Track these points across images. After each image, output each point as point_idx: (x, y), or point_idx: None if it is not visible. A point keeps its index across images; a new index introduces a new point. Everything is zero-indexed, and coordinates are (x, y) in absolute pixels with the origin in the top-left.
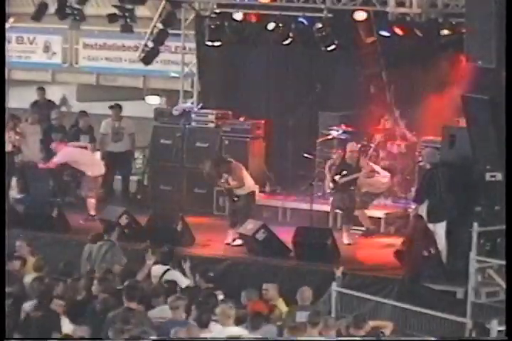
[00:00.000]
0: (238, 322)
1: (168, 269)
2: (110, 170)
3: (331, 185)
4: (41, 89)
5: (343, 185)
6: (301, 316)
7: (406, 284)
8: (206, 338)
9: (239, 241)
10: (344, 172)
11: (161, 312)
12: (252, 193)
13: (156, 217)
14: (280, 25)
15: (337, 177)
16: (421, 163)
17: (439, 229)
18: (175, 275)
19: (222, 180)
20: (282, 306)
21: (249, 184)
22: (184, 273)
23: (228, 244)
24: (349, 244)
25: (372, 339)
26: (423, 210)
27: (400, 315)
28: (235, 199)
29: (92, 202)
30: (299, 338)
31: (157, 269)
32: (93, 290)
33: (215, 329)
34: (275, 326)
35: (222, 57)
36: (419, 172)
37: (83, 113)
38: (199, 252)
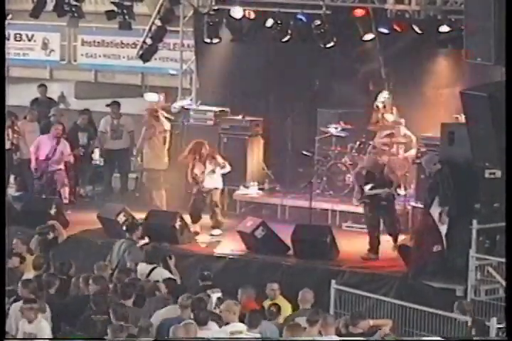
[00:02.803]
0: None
1: (154, 267)
2: (109, 168)
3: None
4: (42, 87)
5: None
6: (301, 321)
7: (405, 281)
8: (206, 338)
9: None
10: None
11: (169, 311)
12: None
13: (155, 215)
14: (279, 22)
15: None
16: (418, 161)
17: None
18: (162, 273)
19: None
20: (285, 304)
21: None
22: (170, 270)
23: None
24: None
25: (377, 340)
26: (435, 211)
27: (399, 313)
28: (204, 195)
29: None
30: (299, 338)
31: (143, 268)
32: (90, 289)
33: (214, 328)
34: (275, 324)
35: (221, 54)
36: (418, 170)
37: (85, 111)
38: (197, 250)
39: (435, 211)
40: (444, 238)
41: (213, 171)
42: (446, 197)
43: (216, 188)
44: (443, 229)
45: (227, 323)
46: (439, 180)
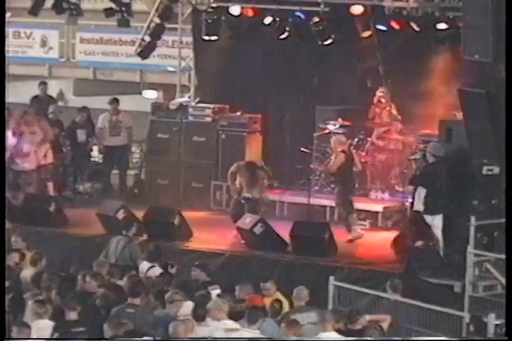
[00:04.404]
0: (234, 316)
1: (152, 266)
2: (108, 165)
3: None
4: (43, 84)
5: None
6: (298, 318)
7: (404, 278)
8: (207, 338)
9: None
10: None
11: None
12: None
13: (154, 211)
14: (277, 19)
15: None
16: (414, 156)
17: (437, 222)
18: (158, 272)
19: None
20: (282, 299)
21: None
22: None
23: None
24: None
25: (380, 339)
26: (420, 207)
27: (398, 309)
28: (242, 201)
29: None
30: (299, 338)
31: (143, 266)
32: (88, 287)
33: (212, 324)
34: (275, 320)
35: (219, 52)
36: (416, 167)
37: (84, 108)
38: (196, 246)
39: (418, 204)
40: (432, 233)
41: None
42: (434, 190)
43: (257, 198)
44: (436, 222)
45: (217, 321)
46: (429, 172)
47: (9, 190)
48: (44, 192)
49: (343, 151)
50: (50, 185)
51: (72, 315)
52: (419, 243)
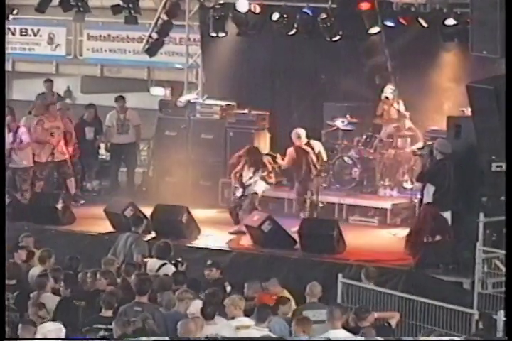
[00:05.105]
0: (245, 314)
1: (164, 263)
2: (115, 162)
3: None
4: (49, 81)
5: None
6: (309, 314)
7: (413, 275)
8: (207, 338)
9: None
10: None
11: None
12: (256, 194)
13: (161, 209)
14: (285, 15)
15: None
16: (421, 152)
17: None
18: (171, 269)
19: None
20: (288, 296)
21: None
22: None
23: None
24: None
25: (392, 339)
26: (429, 198)
27: (407, 306)
28: (242, 198)
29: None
30: (304, 338)
31: (153, 263)
32: (97, 284)
33: (220, 322)
34: (283, 318)
35: (227, 48)
36: (423, 163)
37: (91, 106)
38: (204, 244)
39: (428, 200)
40: (447, 227)
41: (260, 179)
42: (443, 187)
43: (256, 193)
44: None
45: (232, 318)
46: (437, 169)
47: (16, 187)
48: (65, 189)
49: (297, 146)
50: (72, 181)
51: (108, 313)
52: (437, 237)
